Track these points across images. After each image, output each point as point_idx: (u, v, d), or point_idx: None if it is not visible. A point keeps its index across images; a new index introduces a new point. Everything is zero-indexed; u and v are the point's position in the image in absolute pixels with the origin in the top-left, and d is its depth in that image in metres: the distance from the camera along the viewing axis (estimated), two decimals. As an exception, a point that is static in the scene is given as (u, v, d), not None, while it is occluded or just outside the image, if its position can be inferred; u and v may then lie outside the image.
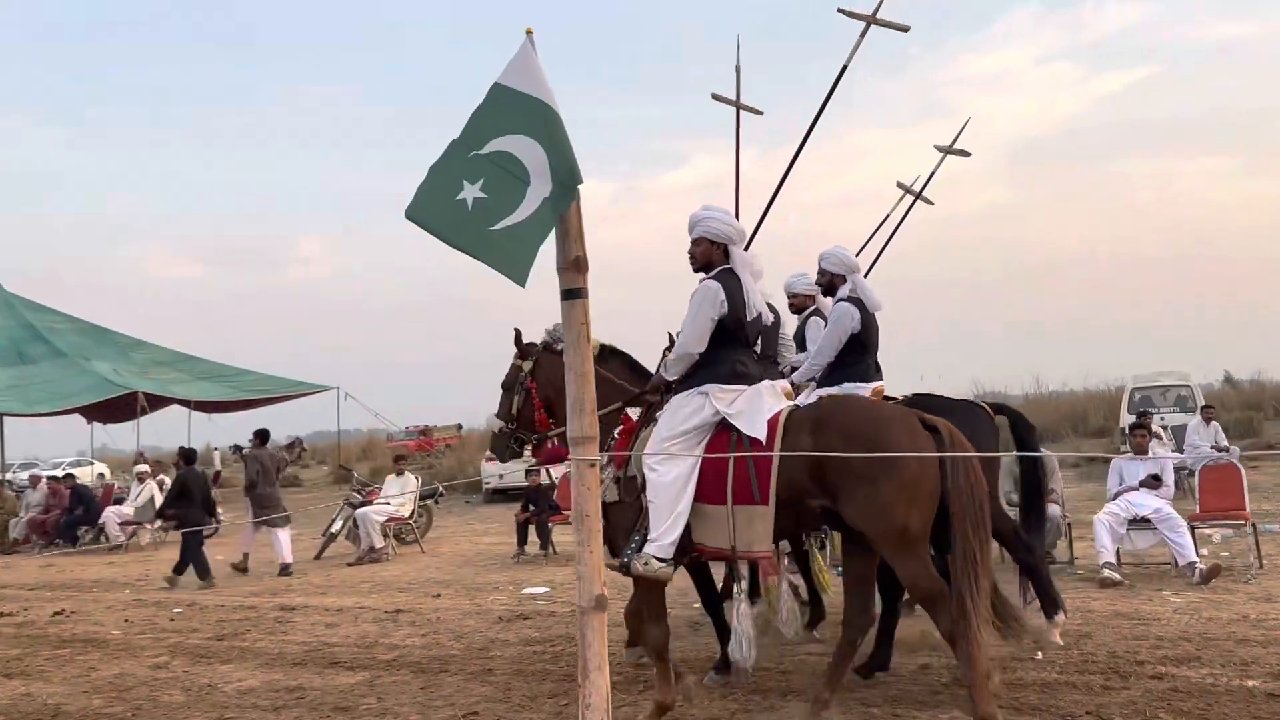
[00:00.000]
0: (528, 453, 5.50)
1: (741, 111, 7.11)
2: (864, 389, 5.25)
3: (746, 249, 4.61)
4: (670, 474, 4.20)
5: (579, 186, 2.52)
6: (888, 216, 8.12)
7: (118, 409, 21.95)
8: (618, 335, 5.20)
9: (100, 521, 14.73)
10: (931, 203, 8.14)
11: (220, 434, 25.67)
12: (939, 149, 8.08)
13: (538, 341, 5.32)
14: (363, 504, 11.71)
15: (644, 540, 4.25)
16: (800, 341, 6.27)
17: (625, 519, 4.45)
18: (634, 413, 4.88)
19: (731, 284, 4.34)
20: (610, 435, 4.67)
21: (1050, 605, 5.39)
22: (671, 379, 4.51)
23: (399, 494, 11.61)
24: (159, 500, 12.92)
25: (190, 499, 11.11)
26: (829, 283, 5.63)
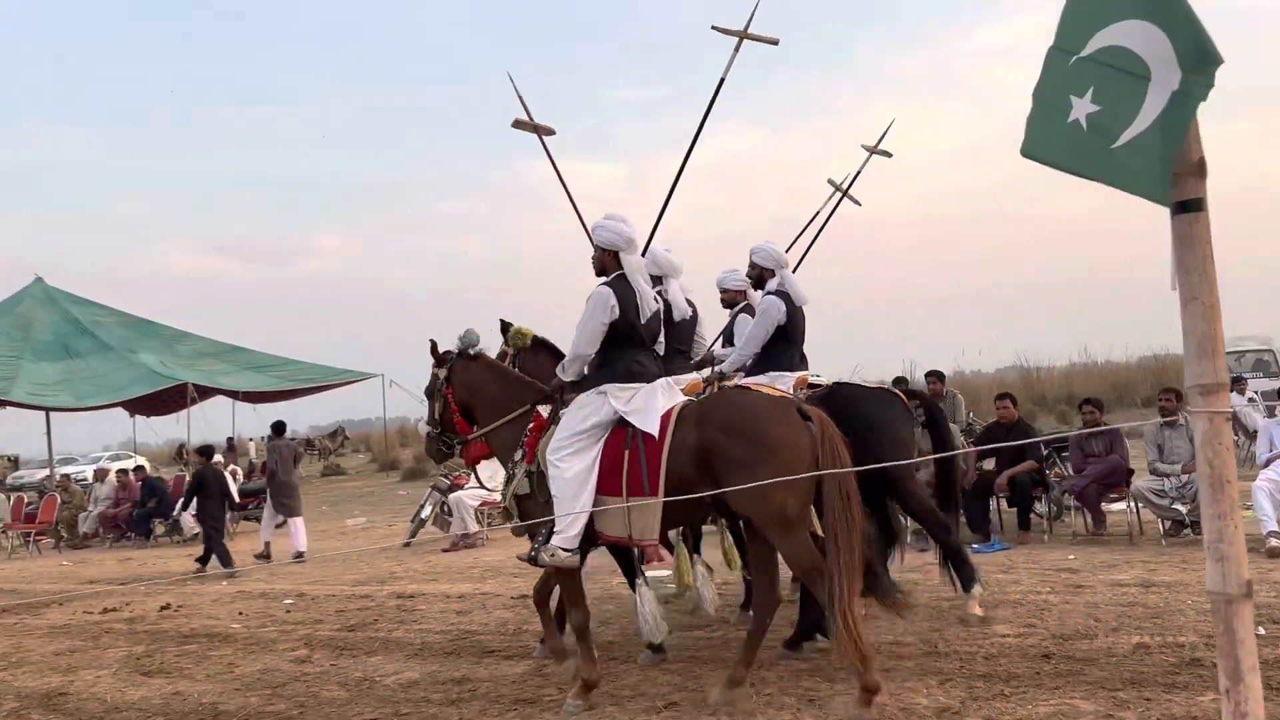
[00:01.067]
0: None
1: (542, 135, 7.15)
2: (788, 378, 5.47)
3: (645, 248, 5.05)
4: (571, 469, 4.47)
5: (1218, 69, 1.99)
6: (817, 213, 8.20)
7: (160, 401, 21.86)
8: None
9: (174, 514, 14.57)
10: (860, 203, 8.23)
11: (264, 425, 25.48)
12: (865, 149, 8.28)
13: (453, 349, 5.40)
14: (450, 488, 11.48)
15: (550, 532, 4.52)
16: (729, 336, 6.46)
17: (539, 512, 4.73)
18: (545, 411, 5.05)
19: (624, 290, 4.61)
20: (522, 433, 4.98)
21: (967, 579, 5.61)
22: (568, 380, 4.81)
23: (489, 477, 11.32)
24: (234, 489, 12.71)
25: (209, 494, 11.10)
26: (758, 276, 5.90)
